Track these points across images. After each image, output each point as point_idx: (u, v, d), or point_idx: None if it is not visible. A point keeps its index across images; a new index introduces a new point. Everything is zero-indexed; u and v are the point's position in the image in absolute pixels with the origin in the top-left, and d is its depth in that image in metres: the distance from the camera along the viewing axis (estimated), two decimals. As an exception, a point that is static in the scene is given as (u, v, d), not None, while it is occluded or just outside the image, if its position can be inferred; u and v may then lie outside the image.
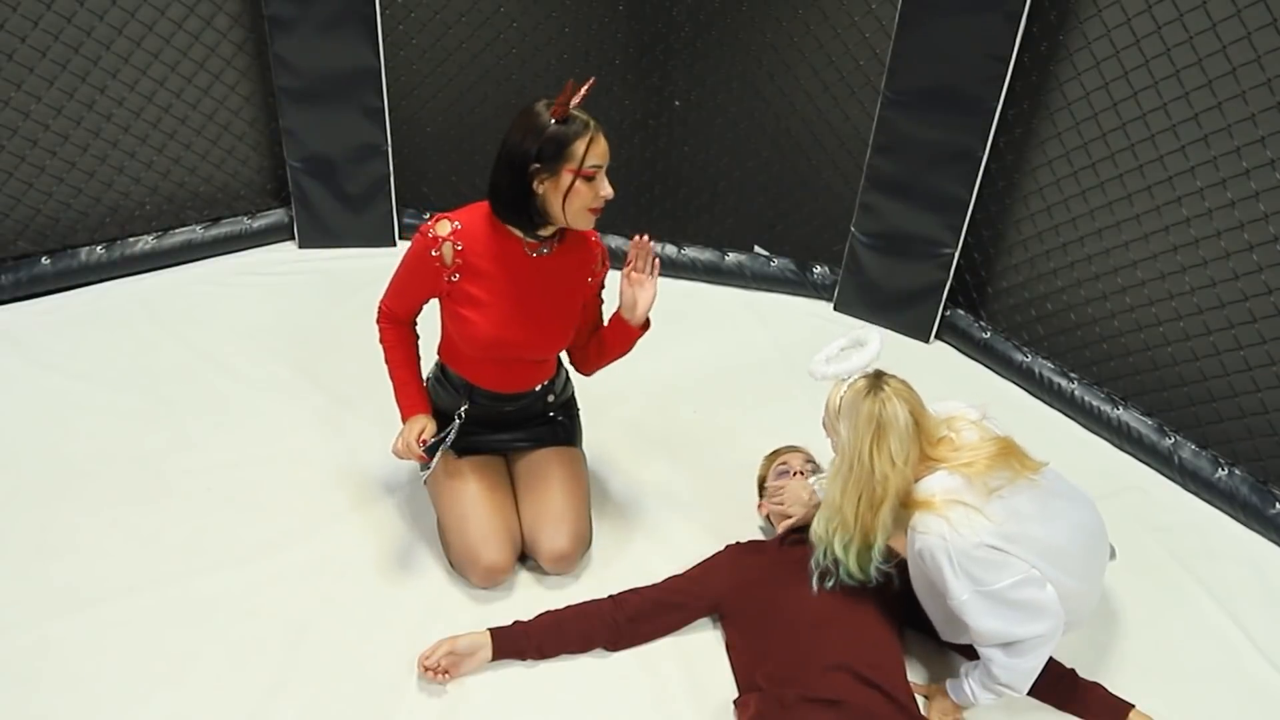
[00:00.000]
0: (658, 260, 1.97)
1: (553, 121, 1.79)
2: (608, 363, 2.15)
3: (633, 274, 1.96)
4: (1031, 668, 1.75)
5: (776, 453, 2.31)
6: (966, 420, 1.85)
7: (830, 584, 1.83)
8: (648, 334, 2.06)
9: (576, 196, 1.82)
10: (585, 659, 1.93)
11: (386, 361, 2.10)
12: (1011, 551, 1.70)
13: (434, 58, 3.31)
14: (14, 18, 2.77)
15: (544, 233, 1.94)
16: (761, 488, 2.30)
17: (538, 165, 1.81)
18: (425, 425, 2.01)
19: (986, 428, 1.85)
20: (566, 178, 1.81)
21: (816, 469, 2.23)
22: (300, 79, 3.16)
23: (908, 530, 1.77)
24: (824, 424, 1.90)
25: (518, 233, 1.93)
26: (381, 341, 2.10)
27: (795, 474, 2.18)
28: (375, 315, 2.10)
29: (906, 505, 1.76)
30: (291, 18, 3.06)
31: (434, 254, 1.92)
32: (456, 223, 1.92)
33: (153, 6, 2.98)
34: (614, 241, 3.49)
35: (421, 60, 3.31)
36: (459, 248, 1.91)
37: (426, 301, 2.05)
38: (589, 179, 1.81)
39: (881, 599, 1.91)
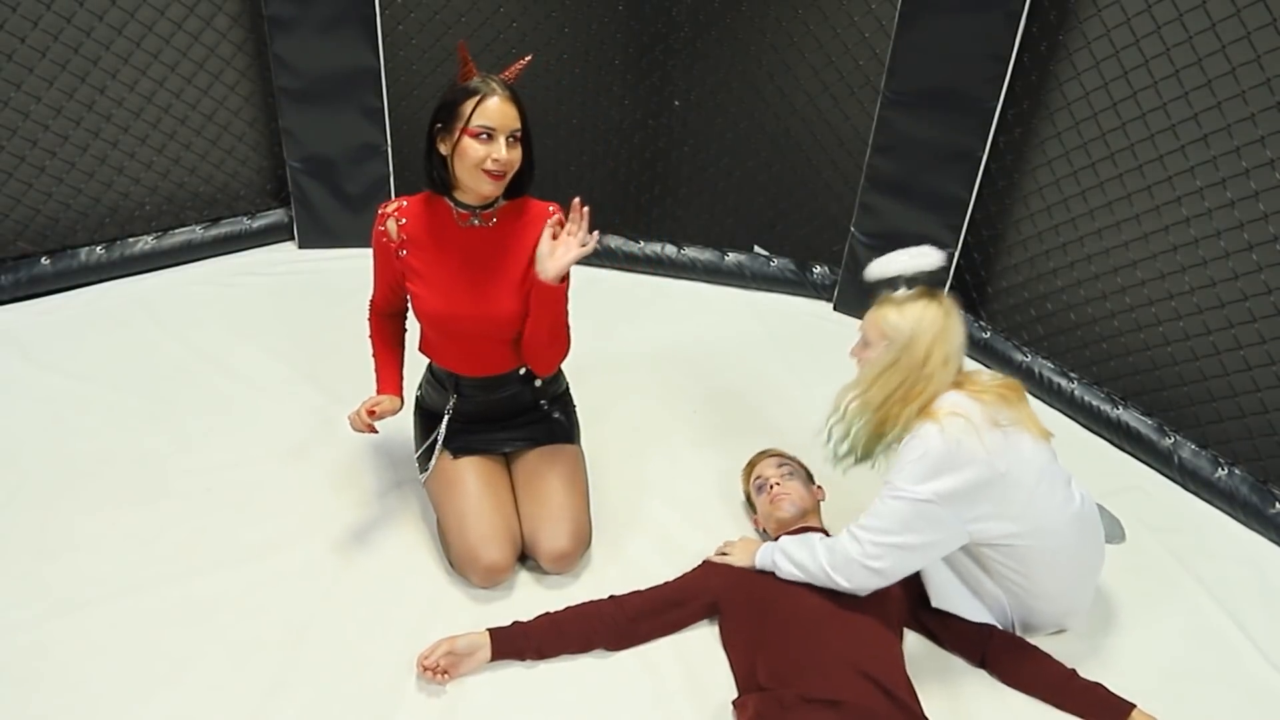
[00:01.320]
0: (593, 236, 1.93)
1: (456, 86, 1.88)
2: (539, 340, 2.02)
3: (560, 230, 1.95)
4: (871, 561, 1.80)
5: (750, 465, 2.30)
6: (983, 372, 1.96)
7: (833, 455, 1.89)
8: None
9: (465, 154, 1.87)
10: (585, 659, 1.93)
11: (372, 345, 2.19)
12: (990, 493, 1.76)
13: (434, 58, 3.31)
14: (13, 18, 2.77)
15: (466, 200, 1.98)
16: (750, 502, 2.30)
17: (439, 125, 1.91)
18: (380, 400, 2.04)
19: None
20: (457, 135, 1.87)
21: (795, 470, 2.22)
22: (300, 79, 3.16)
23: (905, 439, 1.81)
24: (863, 334, 1.92)
25: (449, 203, 2.00)
26: (371, 321, 2.19)
27: (772, 485, 2.15)
28: (368, 311, 2.19)
29: (920, 415, 1.81)
30: (291, 18, 3.06)
31: (381, 229, 2.03)
32: (403, 201, 2.03)
33: (152, 7, 2.98)
34: (613, 241, 3.49)
35: (421, 60, 3.32)
36: (402, 222, 2.01)
37: (399, 289, 2.11)
38: (479, 138, 1.85)
39: (881, 599, 1.92)
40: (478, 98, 1.85)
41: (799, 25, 3.10)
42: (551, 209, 2.04)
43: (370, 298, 2.17)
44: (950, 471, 1.74)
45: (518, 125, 1.88)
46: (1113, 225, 2.69)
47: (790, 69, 3.17)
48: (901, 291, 1.89)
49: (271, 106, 3.28)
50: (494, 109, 1.85)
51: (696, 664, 1.93)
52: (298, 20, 3.06)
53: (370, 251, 2.10)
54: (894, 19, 2.82)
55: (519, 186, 1.99)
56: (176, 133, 3.20)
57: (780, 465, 2.21)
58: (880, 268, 1.93)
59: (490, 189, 1.92)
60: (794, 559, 1.90)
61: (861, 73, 3.06)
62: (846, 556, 1.82)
